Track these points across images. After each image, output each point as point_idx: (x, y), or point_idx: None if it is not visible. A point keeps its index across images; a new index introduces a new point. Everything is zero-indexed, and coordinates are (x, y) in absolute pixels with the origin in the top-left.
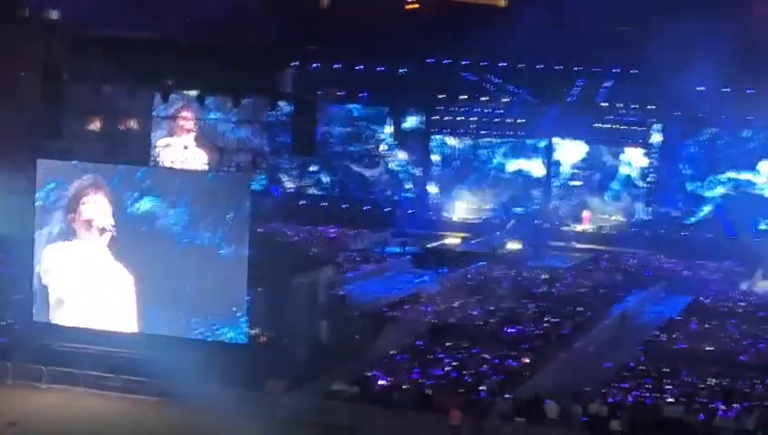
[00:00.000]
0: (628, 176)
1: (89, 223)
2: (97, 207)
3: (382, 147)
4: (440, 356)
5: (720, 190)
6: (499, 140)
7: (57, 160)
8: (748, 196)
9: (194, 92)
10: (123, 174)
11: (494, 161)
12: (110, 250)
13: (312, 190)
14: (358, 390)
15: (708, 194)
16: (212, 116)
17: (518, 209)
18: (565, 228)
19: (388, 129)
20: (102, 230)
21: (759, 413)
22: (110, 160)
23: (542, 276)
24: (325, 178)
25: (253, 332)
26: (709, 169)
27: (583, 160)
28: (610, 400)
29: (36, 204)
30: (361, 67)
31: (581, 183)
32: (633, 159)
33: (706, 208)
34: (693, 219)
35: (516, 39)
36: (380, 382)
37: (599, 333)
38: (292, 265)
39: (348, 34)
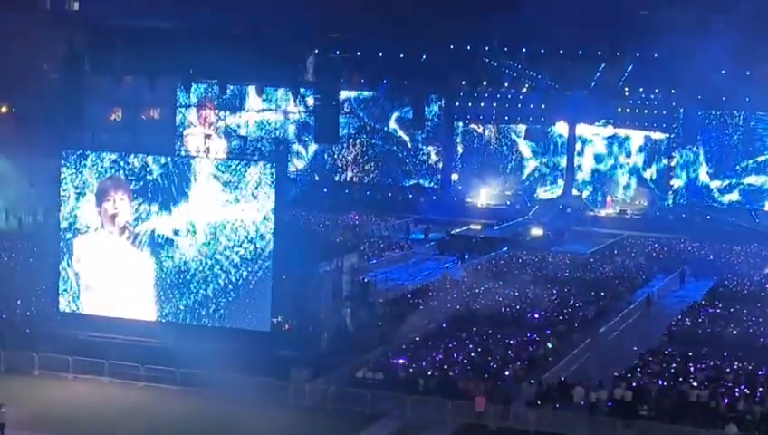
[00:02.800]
0: (651, 160)
1: (112, 218)
2: (121, 205)
3: (405, 133)
4: (465, 342)
5: (744, 174)
6: (521, 126)
7: (81, 151)
8: None
9: (216, 81)
10: (147, 163)
11: (517, 147)
12: (132, 240)
13: (335, 177)
14: (382, 376)
15: (732, 178)
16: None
17: (541, 194)
18: (589, 213)
19: (411, 115)
20: (123, 229)
21: None
22: (134, 150)
23: (566, 261)
24: (349, 166)
25: (276, 320)
26: (732, 152)
27: (606, 145)
28: (636, 384)
29: (61, 195)
30: (383, 54)
31: (604, 167)
32: (656, 143)
33: (731, 192)
34: (717, 203)
35: (537, 25)
36: (405, 369)
37: (623, 317)
38: (316, 252)
39: (369, 22)
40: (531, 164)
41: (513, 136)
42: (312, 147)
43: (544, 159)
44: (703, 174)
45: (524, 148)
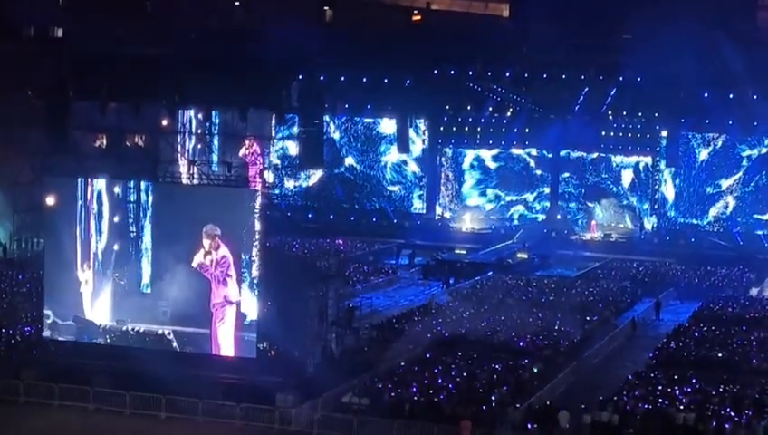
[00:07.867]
0: (636, 184)
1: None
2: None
3: (390, 158)
4: (450, 367)
5: (728, 196)
6: (505, 150)
7: (64, 178)
8: (755, 202)
9: (200, 107)
10: (130, 189)
11: (501, 171)
12: (118, 264)
13: (319, 203)
14: (368, 402)
15: (716, 201)
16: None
17: (524, 217)
18: (573, 237)
19: (395, 140)
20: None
21: None
22: (118, 177)
23: (551, 285)
24: (333, 191)
25: (262, 345)
26: (716, 175)
27: (589, 169)
28: (622, 408)
29: (45, 222)
30: (367, 79)
31: (589, 191)
32: (640, 167)
33: (715, 215)
34: (702, 226)
35: (520, 49)
36: (390, 394)
37: (609, 341)
38: (301, 277)
39: (353, 47)
40: (515, 187)
41: (497, 159)
42: (298, 172)
43: (529, 182)
44: (686, 196)
45: (509, 171)
